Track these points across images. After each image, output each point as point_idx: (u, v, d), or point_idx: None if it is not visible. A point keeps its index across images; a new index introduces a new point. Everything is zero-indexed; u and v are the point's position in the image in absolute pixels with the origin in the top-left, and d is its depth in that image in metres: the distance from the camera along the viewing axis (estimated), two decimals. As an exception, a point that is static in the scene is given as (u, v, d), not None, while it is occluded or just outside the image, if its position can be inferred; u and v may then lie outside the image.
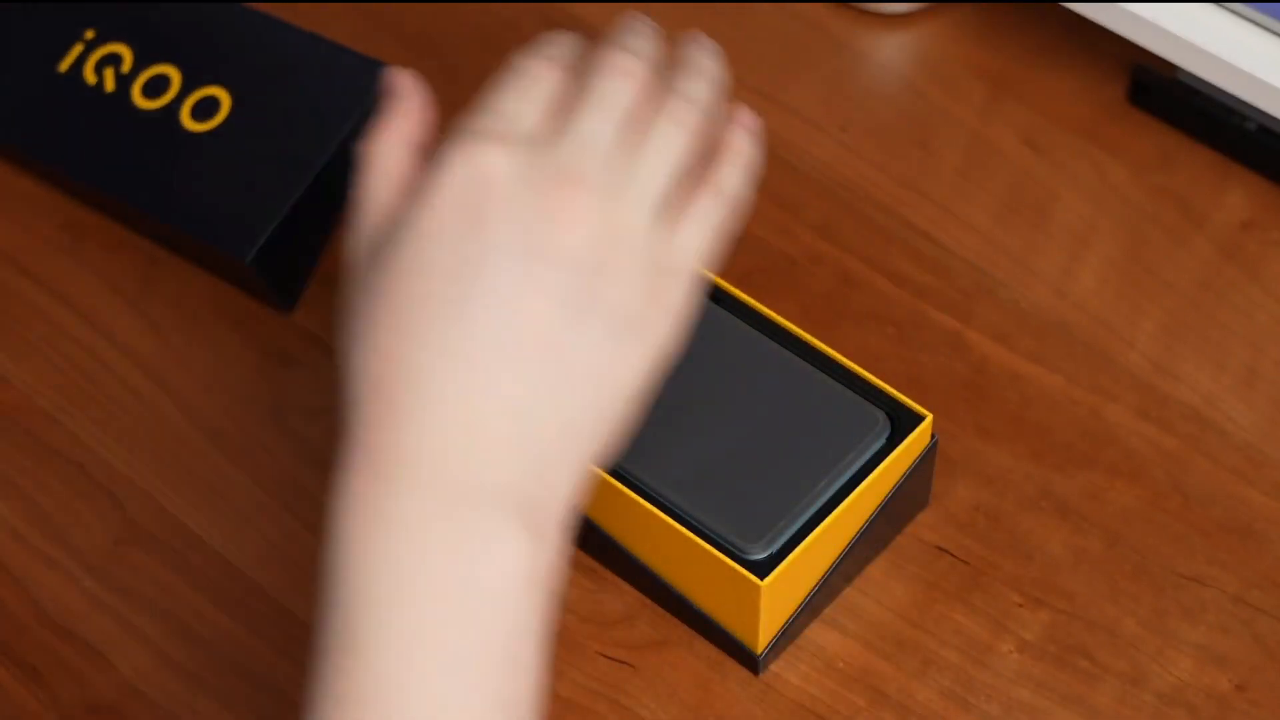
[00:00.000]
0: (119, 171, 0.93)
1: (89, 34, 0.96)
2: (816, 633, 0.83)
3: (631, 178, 0.62)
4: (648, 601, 0.84)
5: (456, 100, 0.90)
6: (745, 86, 1.00)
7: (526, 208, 0.60)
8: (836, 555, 0.82)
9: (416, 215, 0.60)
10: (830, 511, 0.80)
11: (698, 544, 0.79)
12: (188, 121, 0.94)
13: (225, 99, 0.94)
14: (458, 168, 0.60)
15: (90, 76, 0.96)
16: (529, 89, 0.63)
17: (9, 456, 0.89)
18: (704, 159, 0.65)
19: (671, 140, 0.64)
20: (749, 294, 0.87)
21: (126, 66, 0.95)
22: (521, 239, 0.60)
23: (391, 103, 0.65)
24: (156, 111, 0.94)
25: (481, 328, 0.59)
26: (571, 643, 0.83)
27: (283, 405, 0.90)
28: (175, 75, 0.95)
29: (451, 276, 0.60)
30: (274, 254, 0.90)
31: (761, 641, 0.81)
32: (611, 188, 0.61)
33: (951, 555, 0.85)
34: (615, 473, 0.81)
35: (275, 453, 0.89)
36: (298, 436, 0.89)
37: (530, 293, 0.60)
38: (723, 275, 0.89)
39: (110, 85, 0.95)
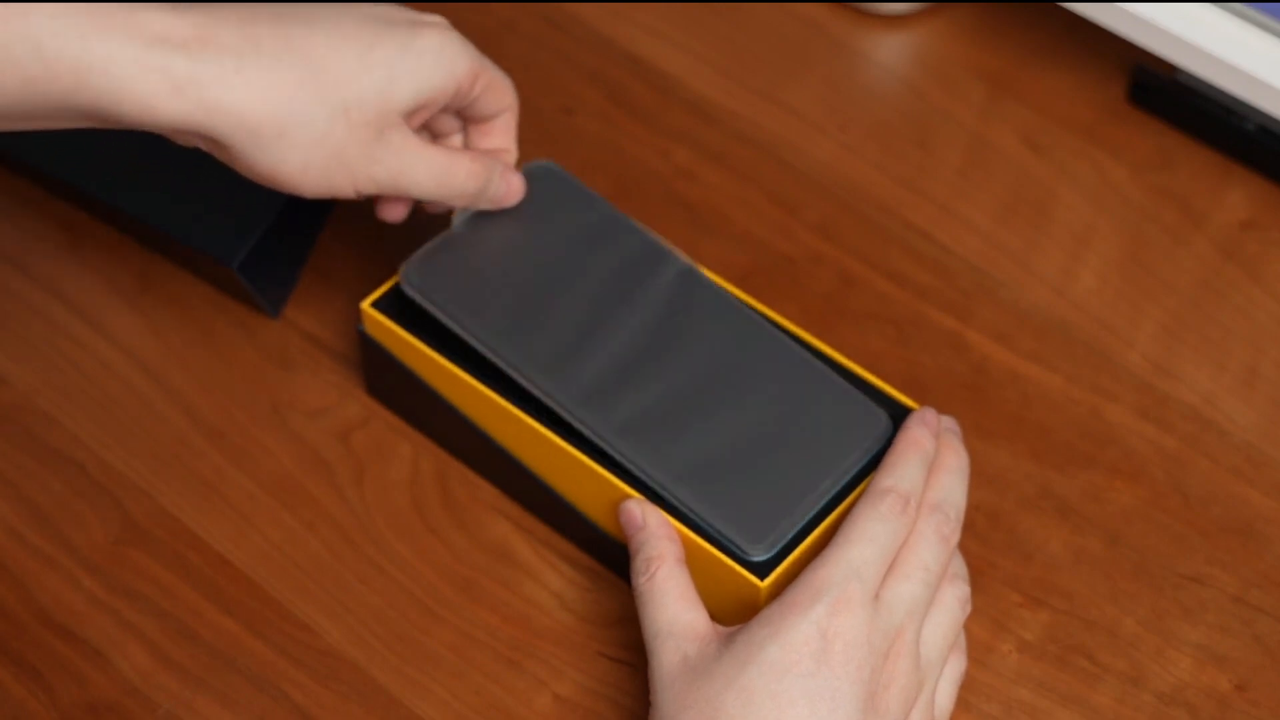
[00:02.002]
0: (110, 178, 0.93)
1: None
2: (816, 633, 0.83)
3: (926, 638, 0.77)
4: (648, 601, 0.84)
5: (456, 100, 0.90)
6: (745, 87, 1.00)
7: (864, 666, 0.73)
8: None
9: (769, 645, 0.73)
10: (831, 511, 0.80)
11: (698, 544, 0.79)
12: None
13: None
14: (819, 620, 0.73)
15: None
16: (879, 537, 0.76)
17: (9, 456, 0.89)
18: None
19: (955, 613, 0.78)
20: (749, 294, 0.87)
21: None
22: (859, 690, 0.73)
23: (640, 536, 0.80)
24: None
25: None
26: (571, 643, 0.83)
27: (283, 405, 0.90)
28: None
29: (793, 703, 0.72)
30: (260, 260, 0.91)
31: (762, 641, 0.81)
32: (915, 640, 0.76)
33: (951, 555, 0.85)
34: (617, 471, 0.81)
35: (275, 453, 0.89)
36: (298, 436, 0.89)
37: None
38: (723, 275, 0.89)
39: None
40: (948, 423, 0.82)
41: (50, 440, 0.89)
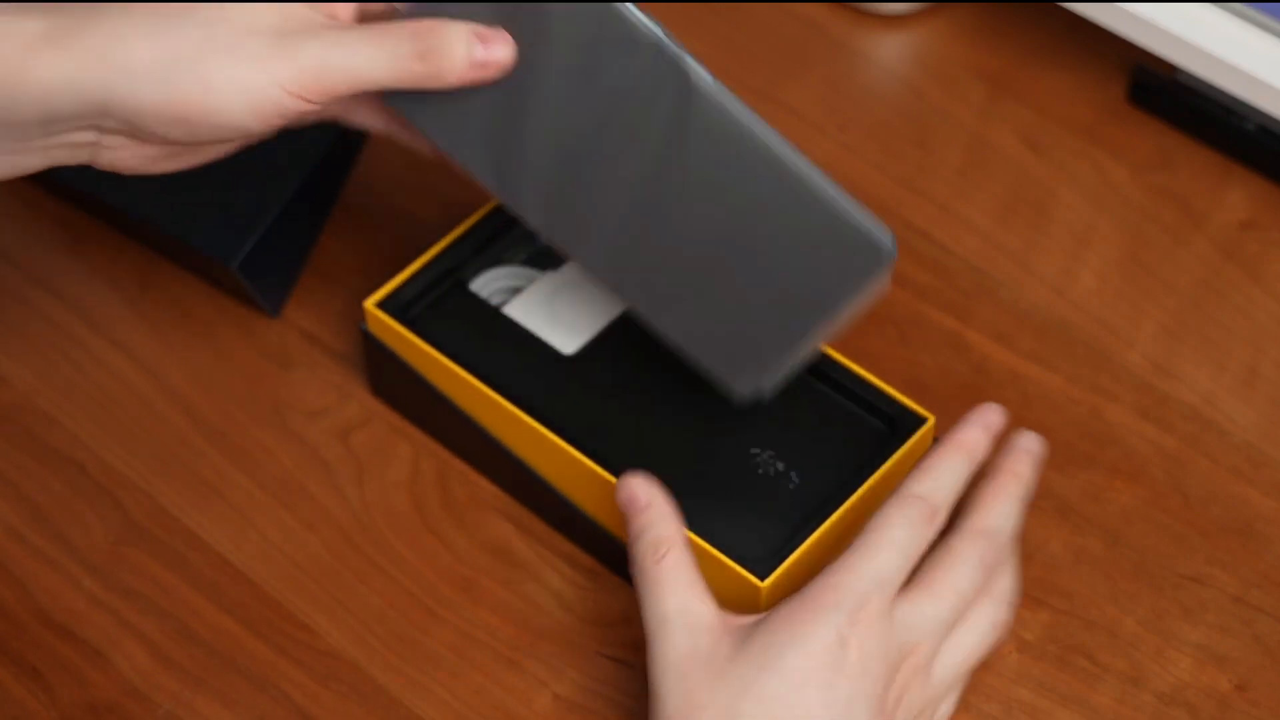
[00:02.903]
0: (110, 178, 0.93)
1: None
2: (816, 633, 0.83)
3: (945, 658, 0.76)
4: (648, 601, 0.84)
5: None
6: (745, 87, 1.00)
7: (879, 680, 0.72)
8: (837, 557, 0.82)
9: (788, 651, 0.72)
10: (831, 512, 0.80)
11: (698, 544, 0.79)
12: None
13: None
14: (840, 627, 0.72)
15: None
16: (903, 545, 0.75)
17: (9, 456, 0.89)
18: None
19: (984, 636, 0.76)
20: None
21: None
22: (872, 702, 0.72)
23: (647, 516, 0.77)
24: None
25: None
26: (571, 643, 0.83)
27: (282, 405, 0.90)
28: None
29: (810, 714, 0.71)
30: (260, 260, 0.91)
31: (762, 641, 0.81)
32: (931, 657, 0.75)
33: (951, 555, 0.85)
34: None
35: (275, 453, 0.89)
36: (298, 436, 0.89)
37: None
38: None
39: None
40: (1028, 442, 0.79)
41: (50, 440, 0.89)
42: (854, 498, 0.80)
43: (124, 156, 0.76)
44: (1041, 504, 0.86)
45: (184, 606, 0.84)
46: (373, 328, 0.86)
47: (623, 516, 0.78)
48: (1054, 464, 0.87)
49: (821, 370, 0.84)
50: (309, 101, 0.73)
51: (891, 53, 1.02)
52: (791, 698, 0.71)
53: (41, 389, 0.91)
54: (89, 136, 0.75)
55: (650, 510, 0.77)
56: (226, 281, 0.92)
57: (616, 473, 0.81)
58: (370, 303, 0.86)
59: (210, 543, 0.86)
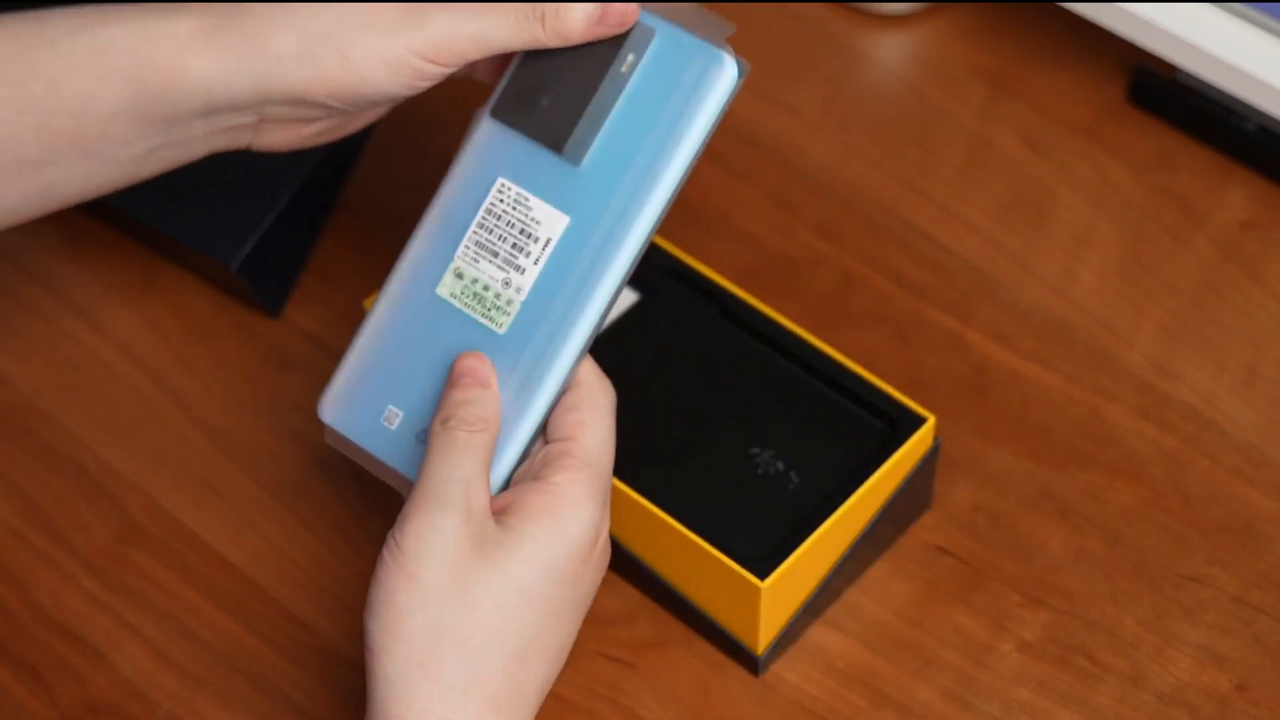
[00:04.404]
0: None
1: None
2: (817, 633, 0.83)
3: None
4: (648, 601, 0.84)
5: (455, 98, 0.90)
6: (745, 87, 1.00)
7: (600, 569, 0.74)
8: (838, 557, 0.82)
9: (561, 550, 0.72)
10: (831, 512, 0.80)
11: (698, 544, 0.79)
12: None
13: None
14: (599, 530, 0.73)
15: None
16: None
17: (9, 456, 0.89)
18: None
19: None
20: (749, 294, 0.87)
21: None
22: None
23: (475, 393, 0.74)
24: None
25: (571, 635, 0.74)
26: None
27: (282, 405, 0.90)
28: None
29: (561, 611, 0.72)
30: (260, 260, 0.91)
31: (762, 642, 0.81)
32: None
33: (952, 555, 0.85)
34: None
35: (275, 453, 0.89)
36: (298, 436, 0.89)
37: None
38: (723, 275, 0.89)
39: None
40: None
41: (50, 440, 0.89)
42: (854, 498, 0.80)
43: (283, 136, 0.80)
44: (1041, 504, 0.86)
45: (184, 606, 0.84)
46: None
47: (450, 381, 0.75)
48: (1054, 464, 0.87)
49: (821, 370, 0.84)
50: (442, 65, 0.77)
51: (891, 53, 1.02)
52: (553, 594, 0.72)
53: (41, 389, 0.91)
54: (249, 119, 0.78)
55: (484, 391, 0.75)
56: (226, 281, 0.92)
57: (617, 474, 0.81)
58: (370, 303, 0.86)
59: (210, 543, 0.86)
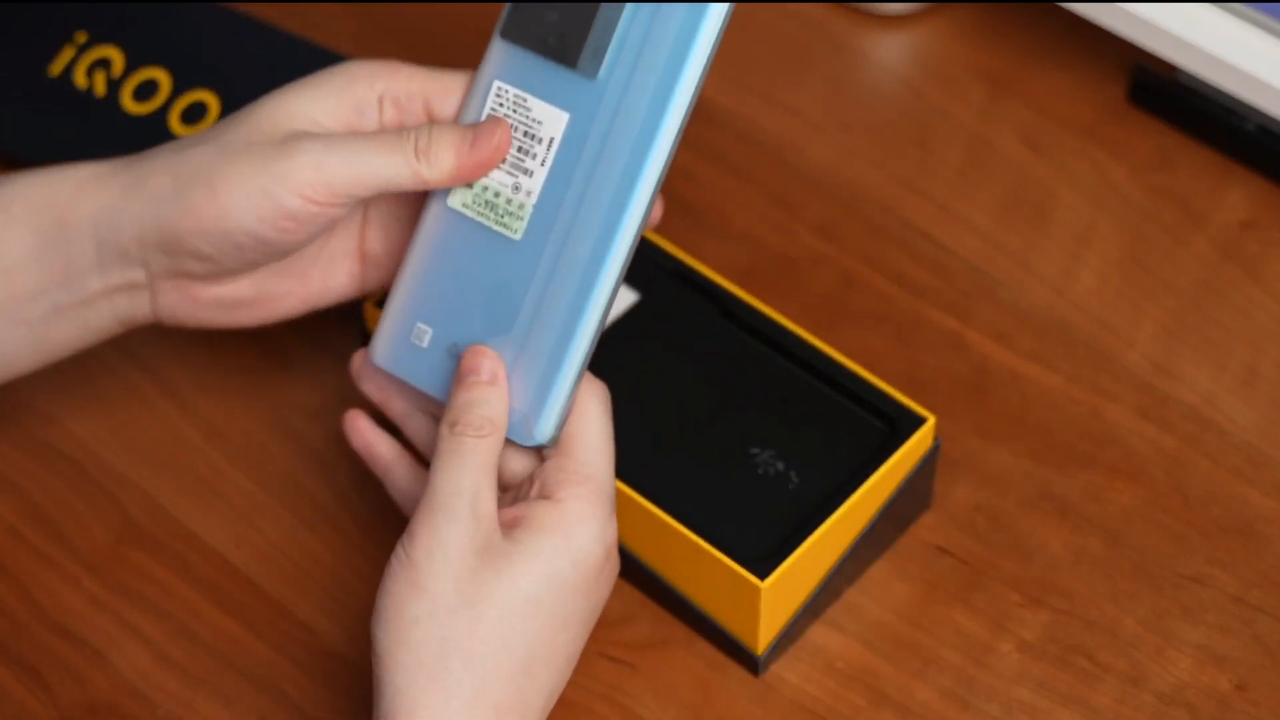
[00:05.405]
0: None
1: (80, 36, 0.96)
2: (817, 633, 0.83)
3: None
4: (648, 601, 0.84)
5: (456, 100, 0.90)
6: (745, 87, 1.00)
7: (609, 581, 0.75)
8: (838, 557, 0.82)
9: (568, 563, 0.73)
10: (831, 512, 0.80)
11: (698, 544, 0.79)
12: (177, 126, 0.94)
13: (214, 103, 0.94)
14: (606, 542, 0.74)
15: (81, 81, 0.96)
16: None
17: (9, 456, 0.89)
18: None
19: None
20: (749, 294, 0.87)
21: (117, 70, 0.95)
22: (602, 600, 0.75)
23: (483, 392, 0.75)
24: (147, 116, 0.94)
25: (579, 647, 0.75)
26: (571, 643, 0.83)
27: (282, 405, 0.90)
28: (165, 79, 0.95)
29: (568, 623, 0.73)
30: None
31: (762, 642, 0.81)
32: None
33: (952, 555, 0.85)
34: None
35: (275, 453, 0.89)
36: (298, 436, 0.89)
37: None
38: (723, 275, 0.89)
39: (101, 90, 0.95)
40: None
41: (50, 440, 0.89)
42: (854, 498, 0.80)
43: (178, 300, 0.79)
44: (1041, 504, 0.86)
45: (184, 606, 0.84)
46: (373, 327, 0.86)
47: (457, 379, 0.75)
48: (1054, 464, 0.87)
49: (821, 370, 0.84)
50: (314, 202, 0.75)
51: (891, 53, 1.02)
52: (558, 606, 0.73)
53: (41, 389, 0.91)
54: (139, 274, 0.78)
55: (491, 389, 0.75)
56: (226, 282, 0.92)
57: (617, 473, 0.81)
58: (370, 303, 0.86)
59: (210, 543, 0.86)
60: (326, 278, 0.80)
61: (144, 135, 0.93)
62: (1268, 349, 0.90)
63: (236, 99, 0.93)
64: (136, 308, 0.79)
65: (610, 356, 0.85)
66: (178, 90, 0.94)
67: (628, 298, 0.88)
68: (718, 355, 0.85)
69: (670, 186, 0.96)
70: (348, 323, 0.92)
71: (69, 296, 0.78)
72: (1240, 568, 0.84)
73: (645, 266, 0.88)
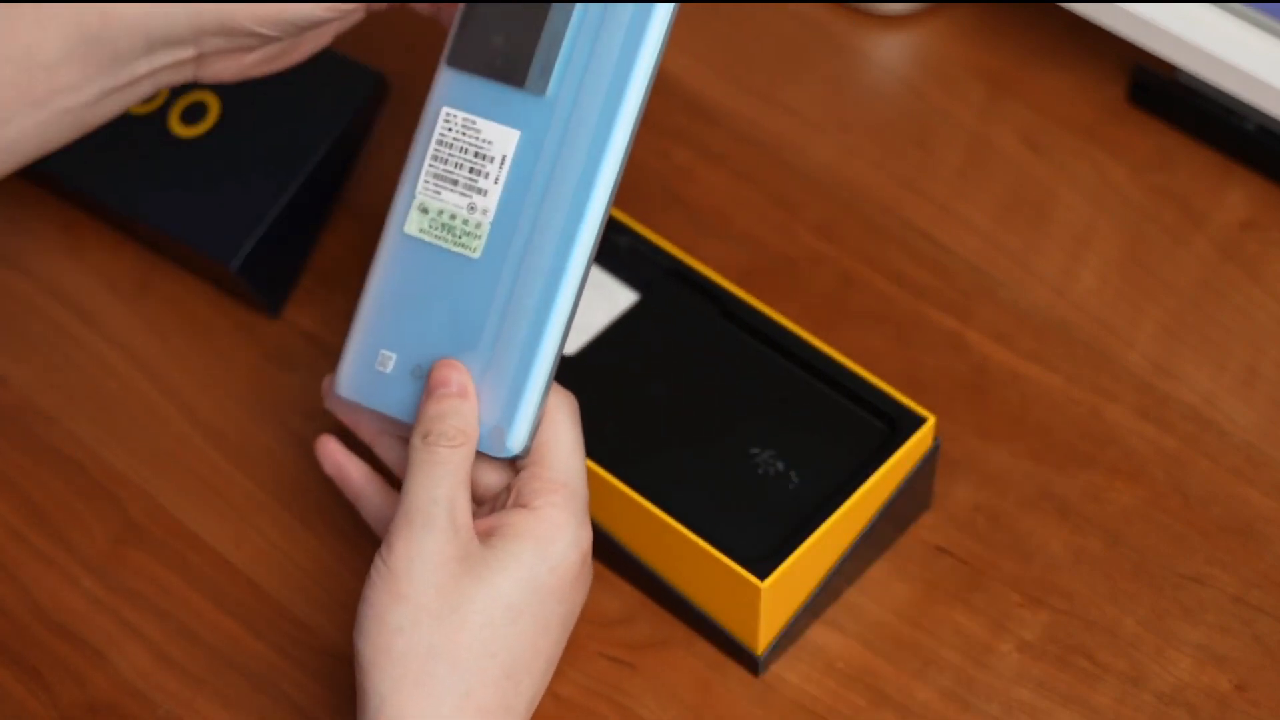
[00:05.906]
0: (110, 177, 0.93)
1: None
2: (817, 633, 0.83)
3: None
4: (648, 601, 0.84)
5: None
6: (745, 87, 1.00)
7: (585, 586, 0.75)
8: (838, 557, 0.82)
9: (546, 569, 0.73)
10: (831, 512, 0.80)
11: (698, 544, 0.79)
12: (176, 127, 0.94)
13: (214, 104, 0.94)
14: (582, 547, 0.74)
15: None
16: None
17: (9, 456, 0.89)
18: None
19: None
20: (749, 294, 0.87)
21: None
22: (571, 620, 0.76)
23: (453, 404, 0.74)
24: (146, 117, 0.94)
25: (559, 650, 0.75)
26: (571, 643, 0.83)
27: (282, 405, 0.90)
28: None
29: (549, 628, 0.73)
30: (260, 260, 0.91)
31: (762, 642, 0.81)
32: None
33: (952, 555, 0.85)
34: (616, 473, 0.81)
35: (275, 453, 0.89)
36: (297, 436, 0.89)
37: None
38: (723, 275, 0.89)
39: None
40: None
41: (50, 440, 0.89)
42: (854, 498, 0.80)
43: (225, 67, 0.80)
44: (1041, 504, 0.86)
45: (184, 606, 0.84)
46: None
47: (427, 392, 0.75)
48: (1054, 464, 0.87)
49: (821, 370, 0.84)
50: None
51: (891, 53, 1.02)
52: (536, 610, 0.73)
53: (41, 389, 0.91)
54: (188, 54, 0.79)
55: (461, 402, 0.75)
56: (226, 281, 0.92)
57: (617, 474, 0.81)
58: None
59: (210, 543, 0.86)
60: None
61: (144, 135, 0.93)
62: (1268, 349, 0.90)
63: (237, 99, 0.93)
64: (180, 76, 0.80)
65: (611, 356, 0.85)
66: (177, 90, 0.94)
67: (628, 298, 0.88)
68: (717, 355, 0.85)
69: (670, 186, 0.96)
70: (348, 322, 0.92)
71: (116, 80, 0.78)
72: (1240, 568, 0.84)
73: (645, 266, 0.88)
